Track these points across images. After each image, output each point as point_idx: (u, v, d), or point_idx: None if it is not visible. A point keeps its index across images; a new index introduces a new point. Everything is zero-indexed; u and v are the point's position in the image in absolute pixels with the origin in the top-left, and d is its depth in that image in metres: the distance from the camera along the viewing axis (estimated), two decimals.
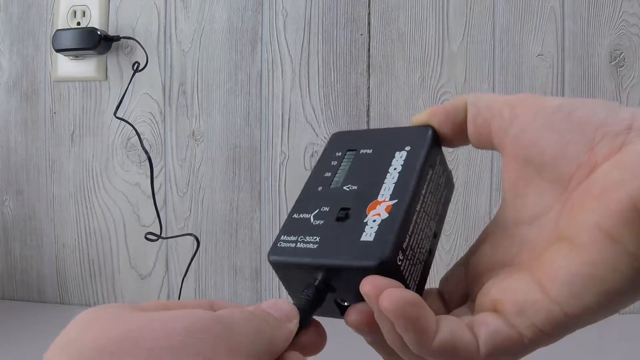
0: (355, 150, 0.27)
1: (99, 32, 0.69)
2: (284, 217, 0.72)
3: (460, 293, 0.25)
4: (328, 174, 0.26)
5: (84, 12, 0.73)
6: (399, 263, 0.22)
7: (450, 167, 0.76)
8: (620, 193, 0.18)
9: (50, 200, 0.76)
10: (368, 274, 0.21)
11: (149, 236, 0.68)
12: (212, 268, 0.74)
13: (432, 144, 0.26)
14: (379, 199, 0.23)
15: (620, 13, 0.70)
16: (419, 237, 0.24)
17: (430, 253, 0.25)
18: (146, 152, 0.69)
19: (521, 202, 0.23)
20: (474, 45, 0.71)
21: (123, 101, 0.73)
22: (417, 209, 0.24)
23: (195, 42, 0.73)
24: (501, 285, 0.21)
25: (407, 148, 0.25)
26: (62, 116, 0.75)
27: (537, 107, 0.22)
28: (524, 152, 0.22)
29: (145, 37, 0.73)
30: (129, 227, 0.74)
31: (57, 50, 0.71)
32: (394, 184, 0.24)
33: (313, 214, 0.24)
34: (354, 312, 0.21)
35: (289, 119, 0.72)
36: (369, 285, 0.20)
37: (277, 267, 0.24)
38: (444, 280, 0.26)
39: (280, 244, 0.24)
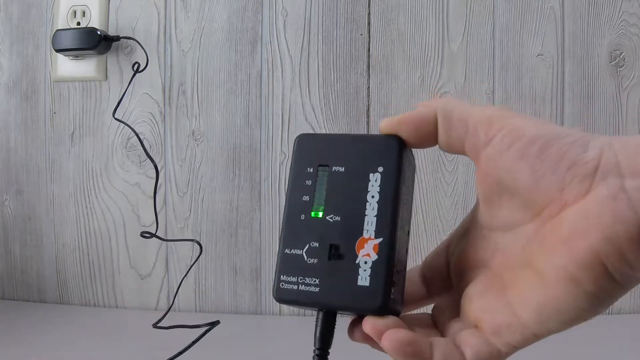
0: (327, 166, 0.28)
1: (99, 32, 0.69)
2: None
3: (442, 279, 0.29)
4: (306, 198, 0.28)
5: (84, 12, 0.73)
6: (392, 297, 0.25)
7: (450, 167, 0.76)
8: (584, 243, 0.21)
9: (50, 200, 0.76)
10: (369, 315, 0.25)
11: (145, 234, 0.67)
12: (212, 268, 0.74)
13: (402, 158, 0.27)
14: (365, 235, 0.26)
15: (620, 13, 0.70)
16: (401, 253, 0.27)
17: (407, 252, 0.28)
18: (151, 159, 0.69)
19: (495, 212, 0.25)
20: (474, 45, 0.71)
21: (123, 101, 0.73)
22: (399, 235, 0.26)
23: (195, 42, 0.73)
24: (481, 303, 0.25)
25: (380, 169, 0.27)
26: (62, 116, 0.75)
27: (513, 136, 0.23)
28: (497, 173, 0.24)
29: (145, 37, 0.73)
30: (129, 227, 0.74)
31: (57, 50, 0.71)
32: (375, 217, 0.26)
33: (304, 250, 0.27)
34: (357, 336, 0.27)
35: (289, 119, 0.72)
36: (369, 327, 0.24)
37: (284, 303, 0.28)
38: (427, 265, 0.30)
39: (282, 284, 0.27)
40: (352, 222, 0.26)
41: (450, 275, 0.28)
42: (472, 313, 0.25)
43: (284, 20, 0.72)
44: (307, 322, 0.72)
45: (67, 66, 0.74)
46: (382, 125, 0.27)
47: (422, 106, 0.27)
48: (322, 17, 0.72)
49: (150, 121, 0.73)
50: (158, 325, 0.63)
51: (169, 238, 0.74)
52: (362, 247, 0.26)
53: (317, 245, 0.27)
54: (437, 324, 0.28)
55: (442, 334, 0.26)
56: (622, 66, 0.70)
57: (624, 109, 0.72)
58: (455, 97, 0.71)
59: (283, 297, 0.27)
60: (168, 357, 0.56)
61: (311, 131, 0.71)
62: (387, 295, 0.25)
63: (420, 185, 0.71)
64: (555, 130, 0.23)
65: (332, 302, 0.26)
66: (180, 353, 0.56)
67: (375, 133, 0.28)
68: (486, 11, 0.71)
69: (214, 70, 0.73)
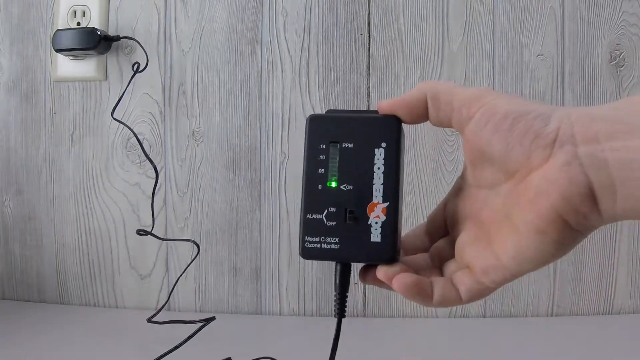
0: (338, 143, 0.33)
1: (99, 32, 0.69)
2: (284, 216, 0.72)
3: (440, 230, 0.35)
4: (321, 170, 0.33)
5: (84, 12, 0.73)
6: (398, 248, 0.32)
7: (450, 167, 0.76)
8: (546, 202, 0.26)
9: (50, 200, 0.76)
10: (380, 264, 0.32)
11: (141, 232, 0.68)
12: (212, 268, 0.74)
13: (400, 135, 0.33)
14: (374, 200, 0.32)
15: (620, 13, 0.70)
16: (401, 213, 0.33)
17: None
18: (150, 161, 0.69)
19: (480, 173, 0.31)
20: (474, 45, 0.71)
21: (123, 101, 0.73)
22: (400, 197, 0.32)
23: (195, 42, 0.73)
24: (472, 250, 0.30)
25: (383, 145, 0.33)
26: (62, 116, 0.75)
27: (489, 113, 0.28)
28: (478, 144, 0.29)
29: (145, 37, 0.73)
30: (129, 227, 0.74)
31: (57, 50, 0.71)
32: (382, 185, 0.32)
33: (324, 215, 0.33)
34: (369, 280, 0.33)
35: (289, 119, 0.72)
36: (382, 274, 0.31)
37: (309, 259, 0.33)
38: (430, 220, 0.36)
39: (306, 244, 0.33)
40: (362, 190, 0.32)
41: (447, 226, 0.35)
42: (466, 258, 0.31)
43: (284, 20, 0.72)
44: (307, 322, 0.73)
45: (67, 66, 0.74)
46: (381, 106, 0.33)
47: (414, 90, 0.32)
48: (322, 17, 0.72)
49: (150, 121, 0.73)
50: (153, 320, 0.63)
51: (166, 238, 0.74)
52: (373, 211, 0.32)
53: (335, 210, 0.32)
54: (434, 262, 0.33)
55: (439, 272, 0.32)
56: (622, 66, 0.70)
57: None
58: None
59: (308, 254, 0.33)
60: (164, 352, 0.56)
61: None
62: (395, 248, 0.32)
63: (421, 185, 0.71)
64: (524, 106, 0.28)
65: (351, 256, 0.33)
66: (176, 347, 0.57)
67: (375, 110, 0.33)
68: (486, 11, 0.71)
69: (214, 70, 0.73)
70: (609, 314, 0.72)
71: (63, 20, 0.73)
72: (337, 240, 0.32)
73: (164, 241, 0.73)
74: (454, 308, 0.72)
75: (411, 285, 0.30)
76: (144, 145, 0.71)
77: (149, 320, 0.63)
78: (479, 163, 0.30)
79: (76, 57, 0.73)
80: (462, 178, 0.34)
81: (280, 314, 0.73)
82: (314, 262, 0.72)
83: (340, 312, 0.35)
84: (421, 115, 0.32)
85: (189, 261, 0.73)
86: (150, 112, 0.73)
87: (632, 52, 0.70)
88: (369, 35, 0.71)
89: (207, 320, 0.63)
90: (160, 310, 0.65)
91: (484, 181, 0.31)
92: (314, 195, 0.33)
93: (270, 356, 0.56)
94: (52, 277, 0.76)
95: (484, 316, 0.72)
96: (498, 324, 0.70)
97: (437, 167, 0.71)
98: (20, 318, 0.68)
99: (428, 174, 0.71)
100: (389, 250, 0.32)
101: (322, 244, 0.32)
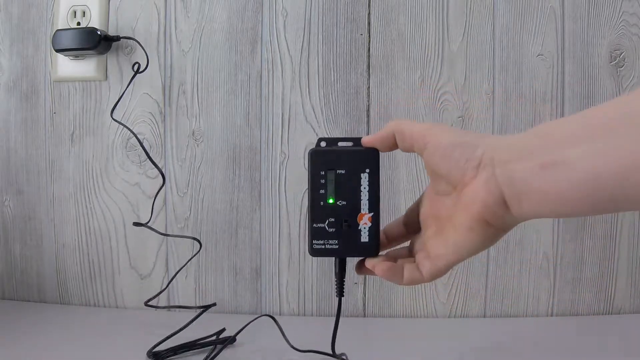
0: (334, 169, 0.45)
1: (99, 32, 0.69)
2: (284, 216, 0.72)
3: (415, 223, 0.45)
4: (322, 191, 0.45)
5: (84, 12, 0.73)
6: (379, 245, 0.45)
7: None
8: (473, 208, 0.37)
9: (50, 200, 0.76)
10: (368, 257, 0.45)
11: (137, 223, 0.68)
12: (212, 268, 0.74)
13: (378, 162, 0.45)
14: (362, 211, 0.45)
15: (620, 13, 0.70)
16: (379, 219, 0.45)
17: None
18: (155, 165, 0.69)
19: (437, 185, 0.42)
20: (474, 45, 0.71)
21: (123, 101, 0.73)
22: (379, 208, 0.45)
23: (195, 42, 0.73)
24: (432, 241, 0.42)
25: (367, 170, 0.45)
26: (62, 116, 0.75)
27: (436, 143, 0.39)
28: (432, 166, 0.40)
29: (145, 37, 0.73)
30: (129, 227, 0.74)
31: (57, 50, 0.71)
32: (367, 200, 0.45)
33: (326, 224, 0.45)
34: (362, 271, 0.45)
35: (289, 119, 0.72)
36: (370, 265, 0.43)
37: (317, 256, 0.45)
38: (407, 215, 0.46)
39: (314, 245, 0.45)
40: (353, 204, 0.45)
41: (420, 222, 0.45)
42: (427, 247, 0.42)
43: (284, 20, 0.72)
44: (307, 321, 0.73)
45: (67, 66, 0.74)
46: (364, 141, 0.45)
47: (385, 128, 0.44)
48: (322, 17, 0.72)
49: (151, 121, 0.73)
50: (149, 303, 0.63)
51: (164, 233, 0.74)
52: (362, 219, 0.45)
53: (334, 220, 0.45)
54: (410, 253, 0.45)
55: (414, 259, 0.43)
56: (622, 66, 0.70)
57: None
58: (455, 97, 0.71)
59: (316, 253, 0.45)
60: (164, 339, 0.56)
61: (311, 131, 0.71)
62: (378, 246, 0.45)
63: (420, 185, 0.71)
64: (461, 137, 0.39)
65: (347, 253, 0.45)
66: (174, 333, 0.58)
67: (359, 138, 0.45)
68: (486, 11, 0.71)
69: (214, 70, 0.73)
70: (609, 314, 0.72)
71: (63, 20, 0.73)
72: (336, 242, 0.45)
73: (164, 242, 0.73)
74: (454, 308, 0.72)
75: (387, 269, 0.42)
76: (143, 145, 0.71)
77: (146, 303, 0.64)
78: (435, 178, 0.42)
79: (76, 57, 0.73)
80: (428, 187, 0.45)
81: (280, 314, 0.73)
82: (314, 262, 0.72)
83: (340, 293, 0.48)
84: (392, 146, 0.44)
85: (189, 260, 0.73)
86: (150, 112, 0.73)
87: (632, 52, 0.70)
88: (369, 35, 0.71)
89: (207, 307, 0.64)
90: (158, 295, 0.66)
91: (440, 191, 0.41)
92: (317, 209, 0.45)
93: (270, 356, 0.56)
94: (52, 277, 0.76)
95: (484, 316, 0.73)
96: (498, 324, 0.70)
97: None
98: (20, 318, 0.68)
99: (428, 175, 0.71)
100: (374, 247, 0.45)
101: (326, 245, 0.45)
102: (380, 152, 0.45)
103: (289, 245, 0.73)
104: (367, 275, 0.72)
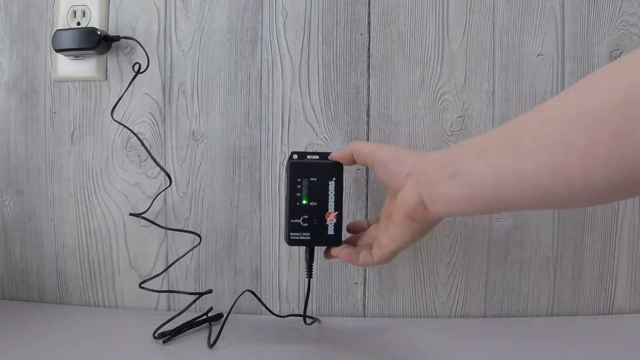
0: (307, 178, 0.59)
1: (99, 32, 0.69)
2: (284, 216, 0.72)
3: (377, 218, 0.60)
4: (298, 194, 0.59)
5: (84, 12, 0.73)
6: (341, 236, 0.59)
7: None
8: (402, 208, 0.49)
9: (50, 200, 0.76)
10: (333, 246, 0.59)
11: (133, 214, 0.69)
12: (212, 268, 0.74)
13: (342, 173, 0.59)
14: (329, 210, 0.59)
15: (620, 13, 0.70)
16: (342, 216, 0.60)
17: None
18: (163, 169, 0.69)
19: (388, 190, 0.56)
20: (474, 45, 0.71)
21: (123, 102, 0.73)
22: (342, 208, 0.59)
23: (195, 42, 0.73)
24: (382, 234, 0.54)
25: (334, 179, 0.59)
26: (62, 116, 0.75)
27: (380, 159, 0.53)
28: (379, 177, 0.54)
29: (145, 37, 0.73)
30: (129, 227, 0.74)
31: (57, 50, 0.71)
32: (333, 202, 0.59)
33: (301, 220, 0.59)
34: (329, 257, 0.60)
35: (289, 119, 0.72)
36: (334, 252, 0.59)
37: (293, 245, 0.59)
38: (379, 213, 0.60)
39: (291, 237, 0.59)
40: (322, 205, 0.59)
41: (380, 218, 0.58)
42: (379, 238, 0.54)
43: (284, 20, 0.72)
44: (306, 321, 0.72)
45: (67, 66, 0.74)
46: (332, 157, 0.59)
47: (346, 148, 0.57)
48: (322, 17, 0.72)
49: (150, 121, 0.73)
50: (143, 285, 0.66)
51: (162, 226, 0.74)
52: (329, 217, 0.59)
53: (307, 217, 0.59)
54: (372, 242, 0.56)
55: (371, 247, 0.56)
56: None
57: None
58: (455, 97, 0.71)
59: (292, 243, 0.59)
60: (163, 333, 0.56)
61: (311, 131, 0.71)
62: (340, 237, 0.59)
63: None
64: (397, 154, 0.52)
65: (317, 243, 0.59)
66: (172, 318, 0.63)
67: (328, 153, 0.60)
68: (486, 11, 0.71)
69: (214, 70, 0.73)
70: (609, 314, 0.73)
71: (63, 20, 0.73)
72: (308, 234, 0.59)
73: (164, 242, 0.73)
74: (454, 308, 0.72)
75: (346, 254, 0.57)
76: (146, 146, 0.71)
77: (141, 285, 0.67)
78: (385, 186, 0.55)
79: (76, 57, 0.73)
80: (387, 193, 0.57)
81: (280, 314, 0.73)
82: (314, 263, 0.72)
83: (309, 275, 0.63)
84: (352, 161, 0.57)
85: (189, 261, 0.74)
86: (150, 112, 0.73)
87: None
88: (369, 35, 0.71)
89: (202, 294, 0.69)
90: (154, 277, 0.69)
91: (390, 195, 0.55)
92: (294, 208, 0.59)
93: (270, 356, 0.56)
94: (52, 277, 0.76)
95: (484, 316, 0.73)
96: (498, 324, 0.70)
97: None
98: (20, 318, 0.68)
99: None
100: (338, 238, 0.59)
101: (300, 237, 0.59)
102: (344, 166, 0.59)
103: (289, 246, 0.73)
104: (366, 276, 0.72)
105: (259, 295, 0.72)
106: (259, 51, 0.72)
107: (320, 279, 0.73)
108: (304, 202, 0.58)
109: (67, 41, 0.70)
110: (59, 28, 0.72)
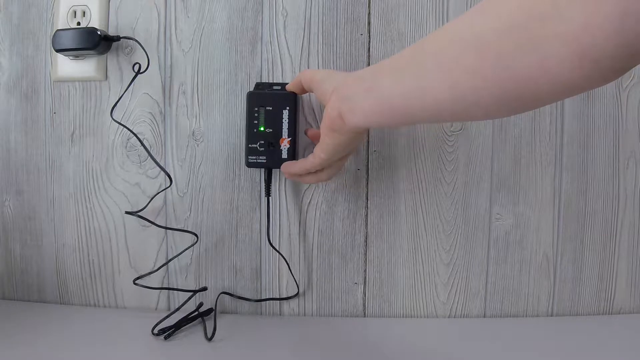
0: (264, 106, 0.64)
1: (99, 32, 0.69)
2: (284, 216, 0.72)
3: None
4: (255, 122, 0.65)
5: (84, 12, 0.73)
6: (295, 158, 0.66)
7: (450, 167, 0.76)
8: (325, 121, 0.54)
9: (50, 200, 0.76)
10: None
11: (128, 212, 0.69)
12: (212, 268, 0.74)
13: (297, 102, 0.65)
14: (283, 136, 0.64)
15: None
16: (297, 142, 0.66)
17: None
18: (164, 170, 0.69)
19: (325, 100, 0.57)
20: None
21: (123, 102, 0.73)
22: (297, 135, 0.65)
23: (195, 42, 0.73)
24: (316, 146, 0.59)
25: (287, 107, 0.64)
26: (62, 116, 0.75)
27: (317, 81, 0.57)
28: (317, 96, 0.58)
29: (145, 37, 0.73)
30: (129, 227, 0.74)
31: (57, 51, 0.70)
32: (287, 129, 0.64)
33: (258, 144, 0.65)
34: (286, 176, 0.65)
35: None
36: (284, 169, 0.64)
37: (251, 167, 0.67)
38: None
39: (249, 159, 0.65)
40: (277, 131, 0.64)
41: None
42: (315, 148, 0.59)
43: (284, 20, 0.72)
44: (307, 322, 0.73)
45: (67, 66, 0.74)
46: (287, 87, 0.65)
47: (296, 77, 0.62)
48: (322, 17, 0.72)
49: (150, 121, 0.73)
50: (137, 282, 0.69)
51: (161, 225, 0.74)
52: (283, 142, 0.64)
53: (263, 142, 0.65)
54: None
55: None
56: None
57: (624, 109, 0.72)
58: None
59: (251, 165, 0.65)
60: (163, 332, 0.56)
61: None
62: (293, 158, 0.65)
63: (420, 185, 0.72)
64: (328, 76, 0.56)
65: (272, 165, 0.65)
66: (168, 315, 0.64)
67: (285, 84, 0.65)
68: None
69: (214, 70, 0.73)
70: (609, 314, 0.73)
71: (63, 20, 0.73)
72: (265, 157, 0.65)
73: (164, 242, 0.73)
74: (454, 308, 0.72)
75: (294, 175, 0.63)
76: (147, 147, 0.71)
77: (134, 281, 0.69)
78: (322, 105, 0.64)
79: (76, 57, 0.73)
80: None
81: (280, 314, 0.73)
82: (314, 263, 0.72)
83: (267, 193, 0.69)
84: (303, 90, 0.62)
85: (189, 261, 0.74)
86: (150, 112, 0.73)
87: None
88: (369, 35, 0.71)
89: (196, 291, 0.71)
90: (151, 273, 0.68)
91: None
92: (252, 134, 0.65)
93: (270, 356, 0.56)
94: (52, 277, 0.76)
95: (484, 316, 0.73)
96: (498, 324, 0.70)
97: (437, 167, 0.71)
98: (20, 318, 0.68)
99: (428, 174, 0.72)
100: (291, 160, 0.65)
101: (257, 160, 0.65)
102: (297, 95, 0.64)
103: (289, 245, 0.73)
104: (366, 276, 0.72)
105: (258, 295, 0.72)
106: (259, 51, 0.72)
107: (320, 279, 0.73)
108: (261, 128, 0.64)
109: (67, 41, 0.70)
110: (59, 28, 0.72)
